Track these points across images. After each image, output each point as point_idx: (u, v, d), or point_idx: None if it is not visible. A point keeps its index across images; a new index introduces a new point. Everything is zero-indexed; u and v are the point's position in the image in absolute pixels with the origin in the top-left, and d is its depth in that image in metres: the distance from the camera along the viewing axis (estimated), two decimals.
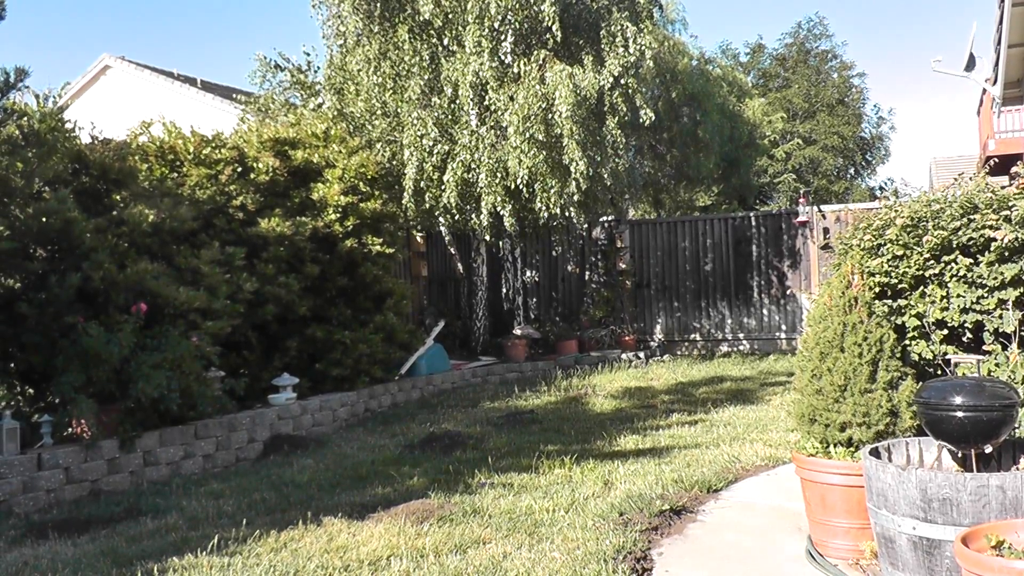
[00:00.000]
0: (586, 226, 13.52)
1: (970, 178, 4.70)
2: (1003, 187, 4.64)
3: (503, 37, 10.21)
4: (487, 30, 10.09)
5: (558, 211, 10.41)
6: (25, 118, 6.28)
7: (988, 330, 4.28)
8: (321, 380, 8.73)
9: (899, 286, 4.60)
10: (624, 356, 12.46)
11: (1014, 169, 6.55)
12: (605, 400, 9.28)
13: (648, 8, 11.38)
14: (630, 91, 10.70)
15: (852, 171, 32.54)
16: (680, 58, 16.68)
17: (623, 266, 14.04)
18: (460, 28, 10.43)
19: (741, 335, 13.80)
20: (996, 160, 7.16)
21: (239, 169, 8.60)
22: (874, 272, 4.62)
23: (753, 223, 13.86)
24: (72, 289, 6.19)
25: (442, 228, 11.33)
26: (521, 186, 10.15)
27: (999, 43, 11.25)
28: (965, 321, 4.35)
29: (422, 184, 10.57)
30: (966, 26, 35.80)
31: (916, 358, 4.48)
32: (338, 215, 9.03)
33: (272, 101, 13.50)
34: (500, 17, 10.07)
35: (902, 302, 4.58)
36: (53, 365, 6.09)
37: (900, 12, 53.67)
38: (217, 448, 6.85)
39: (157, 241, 7.21)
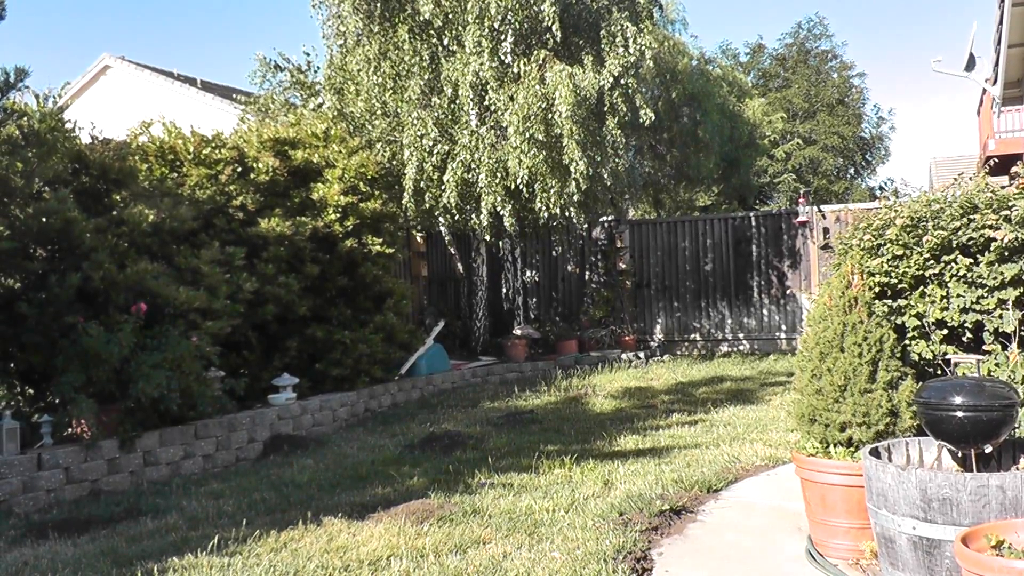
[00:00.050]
0: (586, 226, 13.51)
1: (970, 178, 4.70)
2: (1003, 187, 4.64)
3: (503, 37, 10.21)
4: (487, 30, 10.09)
5: (558, 211, 10.41)
6: (25, 118, 6.29)
7: (988, 330, 4.28)
8: (321, 380, 8.73)
9: (899, 286, 4.60)
10: (624, 356, 12.46)
11: (1014, 169, 6.54)
12: (605, 400, 9.28)
13: (648, 8, 11.37)
14: (630, 91, 10.70)
15: (852, 171, 32.51)
16: (680, 58, 16.68)
17: (623, 266, 14.04)
18: (460, 28, 10.43)
19: (741, 335, 13.79)
20: (996, 160, 7.17)
21: (239, 169, 8.61)
22: (874, 272, 4.62)
23: (753, 223, 13.85)
24: (72, 289, 6.19)
25: (442, 228, 11.33)
26: (521, 186, 10.16)
27: (999, 43, 11.26)
28: (965, 321, 4.35)
29: (422, 184, 10.57)
30: (966, 26, 35.83)
31: (916, 358, 4.48)
32: (338, 215, 9.03)
33: (272, 101, 13.51)
34: (500, 17, 10.06)
35: (902, 302, 4.58)
36: (53, 365, 6.09)
37: (900, 12, 53.74)
38: (217, 448, 6.86)
39: (157, 241, 7.21)
